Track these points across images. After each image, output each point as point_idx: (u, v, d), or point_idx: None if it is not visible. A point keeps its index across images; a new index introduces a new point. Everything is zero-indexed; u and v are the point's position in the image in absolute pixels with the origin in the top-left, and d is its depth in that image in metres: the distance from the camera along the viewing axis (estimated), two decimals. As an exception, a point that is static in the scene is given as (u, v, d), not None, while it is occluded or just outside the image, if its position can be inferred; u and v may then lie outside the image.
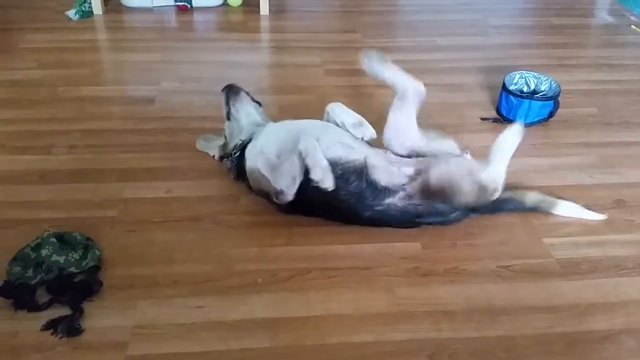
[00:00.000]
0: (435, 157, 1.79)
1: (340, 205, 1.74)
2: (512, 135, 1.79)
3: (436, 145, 1.85)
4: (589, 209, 1.91)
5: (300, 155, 1.70)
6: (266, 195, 1.82)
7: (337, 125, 1.86)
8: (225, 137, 2.03)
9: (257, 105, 2.06)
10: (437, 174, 1.71)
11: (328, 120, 1.91)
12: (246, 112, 2.00)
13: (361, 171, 1.73)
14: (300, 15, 3.46)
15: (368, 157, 1.75)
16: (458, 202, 1.74)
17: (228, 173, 1.97)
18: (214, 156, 2.08)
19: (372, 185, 1.73)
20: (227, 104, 2.02)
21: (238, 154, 1.89)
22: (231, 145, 1.96)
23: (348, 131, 1.83)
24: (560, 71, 2.77)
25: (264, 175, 1.77)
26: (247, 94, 2.05)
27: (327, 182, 1.68)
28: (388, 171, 1.75)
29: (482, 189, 1.73)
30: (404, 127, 1.83)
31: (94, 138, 2.21)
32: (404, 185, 1.74)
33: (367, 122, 1.85)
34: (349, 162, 1.74)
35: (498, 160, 1.76)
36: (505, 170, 1.76)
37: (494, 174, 1.75)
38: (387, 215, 1.75)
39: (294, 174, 1.71)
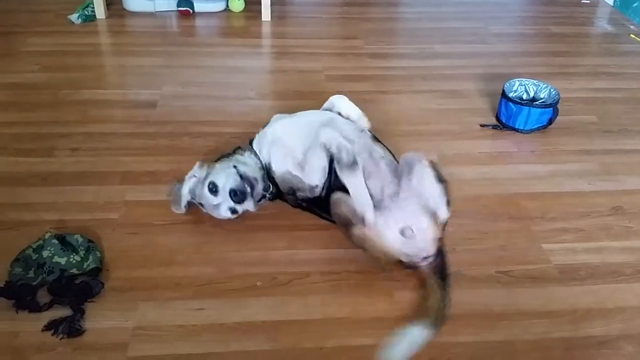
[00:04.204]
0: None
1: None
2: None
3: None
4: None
5: (324, 146, 1.76)
6: (292, 192, 1.85)
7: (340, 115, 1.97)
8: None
9: (240, 156, 1.91)
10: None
11: (330, 110, 2.00)
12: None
13: None
14: (302, 21, 3.49)
15: (355, 156, 1.77)
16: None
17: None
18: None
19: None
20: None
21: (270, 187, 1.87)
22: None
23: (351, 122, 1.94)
24: (560, 79, 2.79)
25: (295, 175, 1.81)
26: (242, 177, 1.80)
27: (355, 164, 1.72)
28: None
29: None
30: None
31: (96, 141, 2.22)
32: None
33: (363, 115, 1.98)
34: None
35: None
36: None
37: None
38: None
39: (323, 164, 1.76)
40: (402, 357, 1.44)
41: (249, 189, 1.77)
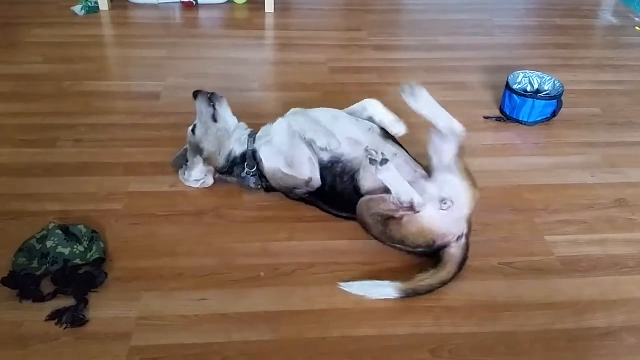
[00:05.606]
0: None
1: (340, 198, 1.78)
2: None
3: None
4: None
5: (299, 136, 1.77)
6: (291, 191, 1.86)
7: (369, 118, 1.92)
8: (201, 148, 1.94)
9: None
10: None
11: (357, 111, 1.95)
12: (229, 115, 1.98)
13: (355, 172, 1.75)
14: (305, 12, 3.48)
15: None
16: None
17: (247, 188, 1.92)
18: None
19: (357, 189, 1.75)
20: (213, 107, 1.94)
21: (255, 167, 1.88)
22: (225, 154, 1.91)
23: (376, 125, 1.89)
24: (565, 71, 2.78)
25: (287, 174, 1.81)
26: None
27: (333, 144, 1.75)
28: (374, 179, 1.74)
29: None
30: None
31: (99, 132, 2.23)
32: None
33: (400, 121, 1.90)
34: (349, 161, 1.76)
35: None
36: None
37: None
38: None
39: (308, 154, 1.77)
40: (358, 292, 1.59)
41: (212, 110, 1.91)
